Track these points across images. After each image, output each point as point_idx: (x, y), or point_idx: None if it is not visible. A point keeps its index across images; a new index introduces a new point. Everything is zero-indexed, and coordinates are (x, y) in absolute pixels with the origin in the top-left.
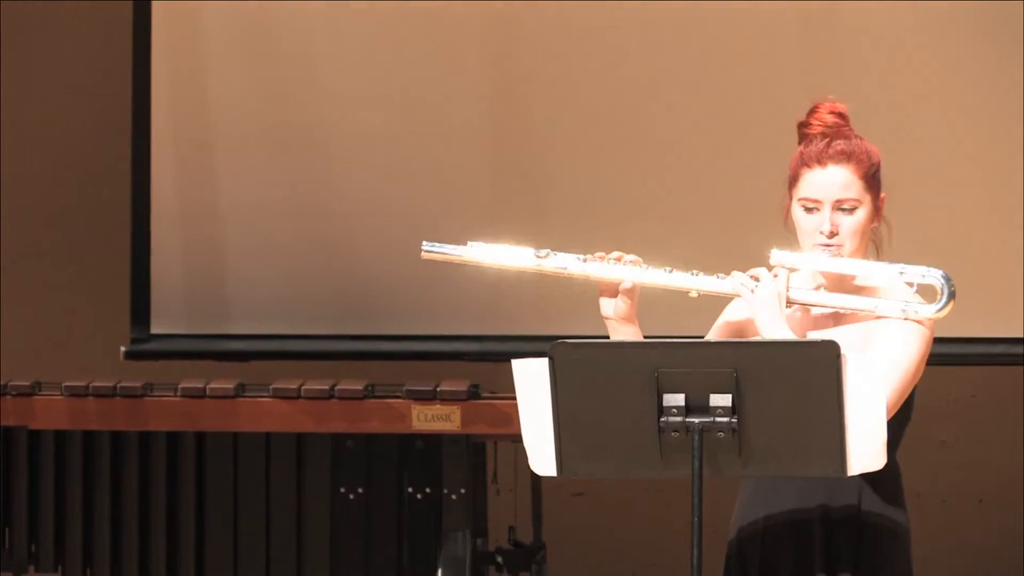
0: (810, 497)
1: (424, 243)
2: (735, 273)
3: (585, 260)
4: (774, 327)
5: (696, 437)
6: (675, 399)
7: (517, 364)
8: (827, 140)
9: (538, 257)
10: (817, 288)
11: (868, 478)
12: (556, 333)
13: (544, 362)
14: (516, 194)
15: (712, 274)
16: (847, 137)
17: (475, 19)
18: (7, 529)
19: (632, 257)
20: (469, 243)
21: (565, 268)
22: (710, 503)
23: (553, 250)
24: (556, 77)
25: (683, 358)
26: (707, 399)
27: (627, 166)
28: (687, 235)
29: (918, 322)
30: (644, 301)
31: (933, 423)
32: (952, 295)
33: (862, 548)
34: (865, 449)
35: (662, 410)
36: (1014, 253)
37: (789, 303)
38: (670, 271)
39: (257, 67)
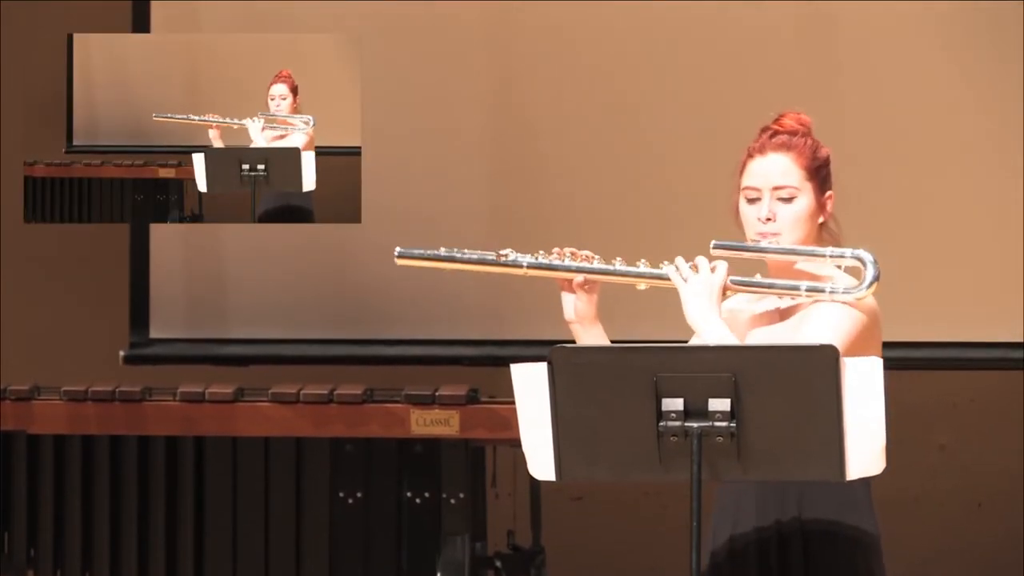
0: (767, 513)
1: (397, 248)
2: (678, 260)
3: (537, 258)
4: (702, 322)
5: (695, 441)
6: (674, 403)
7: (516, 368)
8: (772, 132)
9: (500, 256)
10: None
11: (813, 487)
12: (555, 338)
13: (543, 366)
14: (515, 197)
15: (656, 265)
16: (794, 134)
17: (475, 21)
18: (6, 533)
19: (586, 253)
20: (440, 248)
21: (520, 266)
22: (709, 508)
23: (514, 251)
24: (556, 80)
25: (682, 362)
26: (706, 403)
27: (627, 168)
28: (687, 236)
29: (850, 305)
30: (642, 304)
31: (932, 427)
32: (876, 275)
33: (809, 559)
34: (863, 453)
35: (661, 414)
36: (1013, 257)
37: (725, 290)
38: (616, 264)
39: None
